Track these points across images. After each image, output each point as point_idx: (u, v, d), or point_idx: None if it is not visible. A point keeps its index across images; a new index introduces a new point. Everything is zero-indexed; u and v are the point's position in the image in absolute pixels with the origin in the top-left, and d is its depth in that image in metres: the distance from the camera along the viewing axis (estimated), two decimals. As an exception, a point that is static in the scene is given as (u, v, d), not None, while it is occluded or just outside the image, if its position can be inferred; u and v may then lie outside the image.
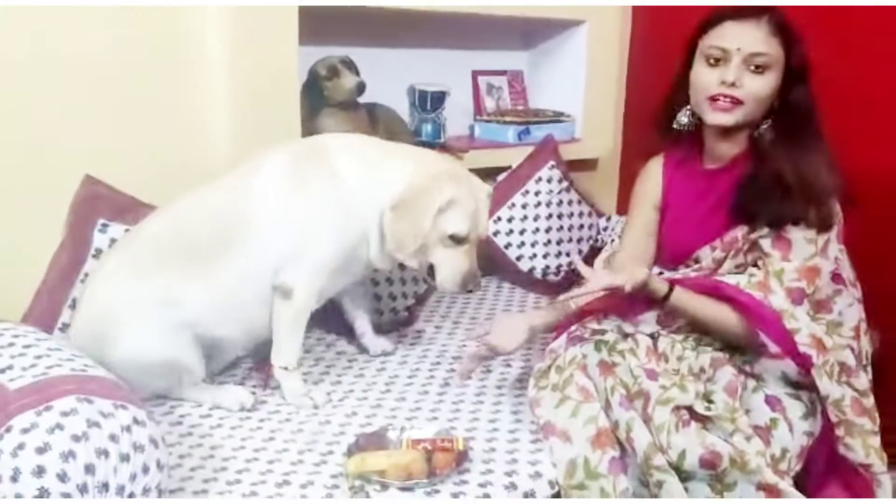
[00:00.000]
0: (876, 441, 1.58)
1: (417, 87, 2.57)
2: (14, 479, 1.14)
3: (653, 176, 1.92)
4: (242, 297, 1.74)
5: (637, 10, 2.89)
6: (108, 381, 1.35)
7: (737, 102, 1.66)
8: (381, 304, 2.19)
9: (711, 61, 1.68)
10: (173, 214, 1.77)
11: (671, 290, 1.63)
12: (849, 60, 2.26)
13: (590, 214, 2.74)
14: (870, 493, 1.58)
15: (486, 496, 1.43)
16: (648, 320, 1.73)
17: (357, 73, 2.28)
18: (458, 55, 2.79)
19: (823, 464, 1.60)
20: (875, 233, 2.08)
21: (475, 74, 2.88)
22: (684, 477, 1.46)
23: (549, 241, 2.60)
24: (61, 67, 1.85)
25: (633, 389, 1.53)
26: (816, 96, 1.70)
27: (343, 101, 2.27)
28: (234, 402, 1.73)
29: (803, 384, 1.61)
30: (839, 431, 1.56)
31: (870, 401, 1.62)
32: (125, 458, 1.22)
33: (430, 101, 2.57)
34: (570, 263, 2.62)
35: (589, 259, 2.63)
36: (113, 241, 1.88)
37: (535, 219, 2.60)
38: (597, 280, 1.58)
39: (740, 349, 1.67)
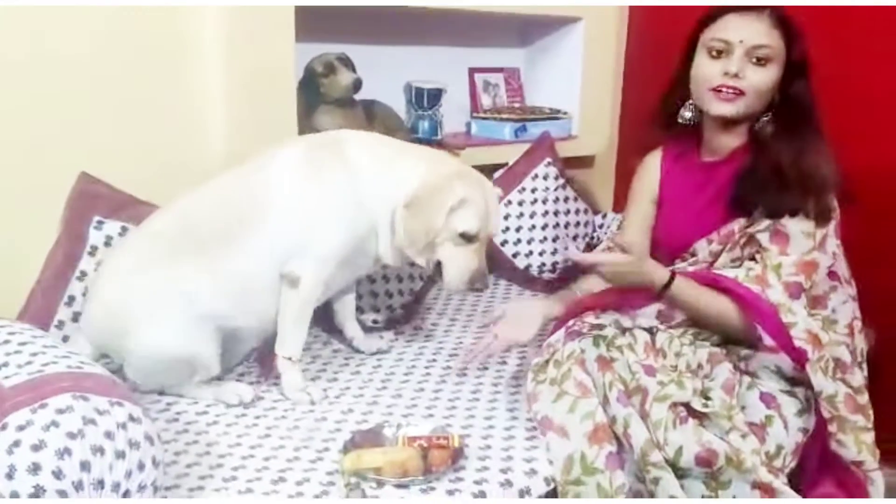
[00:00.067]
0: (869, 438, 1.59)
1: (414, 84, 2.57)
2: (9, 476, 1.14)
3: (650, 170, 1.93)
4: (257, 285, 1.75)
5: (633, 7, 2.89)
6: (103, 379, 1.34)
7: (739, 93, 1.69)
8: (378, 302, 2.19)
9: (714, 53, 1.71)
10: (186, 206, 1.78)
11: (672, 279, 1.64)
12: (847, 60, 2.26)
13: (586, 211, 2.74)
14: (862, 490, 1.59)
15: (482, 493, 1.43)
16: (648, 314, 1.73)
17: (354, 70, 2.28)
18: (454, 52, 2.79)
19: (817, 461, 1.61)
20: (872, 231, 2.08)
21: (472, 71, 2.88)
22: (680, 474, 1.46)
23: (546, 238, 2.60)
24: (60, 67, 1.86)
25: (631, 385, 1.54)
26: (816, 94, 1.72)
27: (340, 98, 2.27)
28: (233, 397, 1.73)
29: (798, 380, 1.61)
30: (832, 428, 1.57)
31: (864, 398, 1.63)
32: (121, 455, 1.22)
33: (426, 99, 2.57)
34: (566, 260, 2.63)
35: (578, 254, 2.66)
36: (108, 238, 1.88)
37: (532, 216, 2.60)
38: (602, 256, 1.59)
39: (738, 343, 1.67)
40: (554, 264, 2.61)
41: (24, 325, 1.54)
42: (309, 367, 1.91)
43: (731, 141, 1.78)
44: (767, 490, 1.46)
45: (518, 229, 2.58)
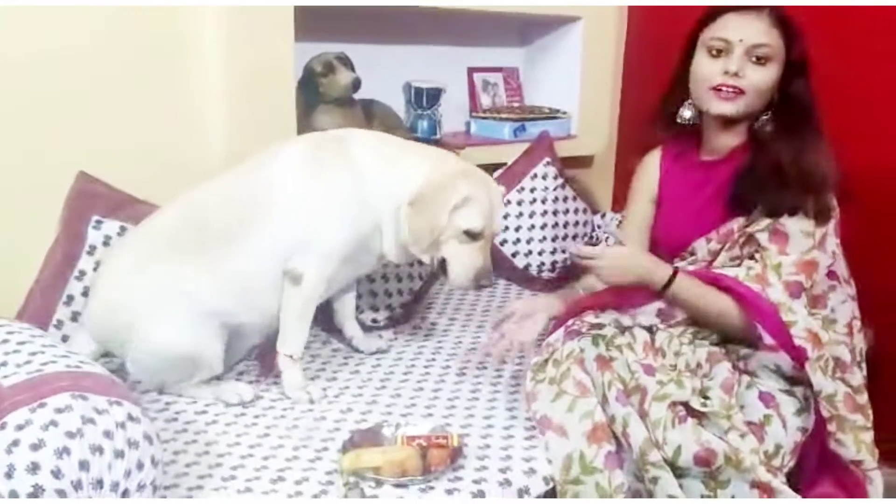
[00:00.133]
0: (868, 437, 1.59)
1: (413, 84, 2.57)
2: (8, 475, 1.13)
3: (649, 169, 1.93)
4: (260, 282, 1.75)
5: (632, 7, 2.89)
6: (102, 378, 1.34)
7: (739, 92, 1.69)
8: (377, 301, 2.19)
9: (714, 52, 1.71)
10: (189, 203, 1.78)
11: (674, 276, 1.64)
12: (847, 60, 2.26)
13: (585, 211, 2.74)
14: (861, 490, 1.59)
15: (481, 493, 1.43)
16: (648, 312, 1.73)
17: (353, 70, 2.28)
18: (453, 52, 2.79)
19: (816, 460, 1.61)
20: (871, 231, 2.08)
21: (471, 71, 2.88)
22: (679, 473, 1.46)
23: (545, 238, 2.60)
24: (59, 67, 1.86)
25: (630, 385, 1.54)
26: (816, 94, 1.72)
27: (339, 98, 2.27)
28: (233, 396, 1.73)
29: (797, 380, 1.61)
30: (831, 427, 1.57)
31: (863, 397, 1.63)
32: (120, 454, 1.22)
33: (425, 98, 2.57)
34: (565, 260, 2.63)
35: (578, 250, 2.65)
36: (107, 237, 1.88)
37: (531, 215, 2.60)
38: (600, 249, 1.63)
39: (737, 342, 1.67)
40: (553, 263, 2.61)
41: (22, 325, 1.53)
42: (308, 367, 1.91)
43: (731, 140, 1.78)
44: (766, 489, 1.46)
45: (517, 229, 2.58)
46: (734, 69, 1.68)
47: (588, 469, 1.48)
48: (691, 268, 1.75)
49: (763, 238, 1.66)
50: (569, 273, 2.55)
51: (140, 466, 1.24)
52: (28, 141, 1.84)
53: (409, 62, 2.63)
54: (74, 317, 1.84)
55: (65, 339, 1.79)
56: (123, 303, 1.70)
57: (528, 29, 2.97)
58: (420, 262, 2.19)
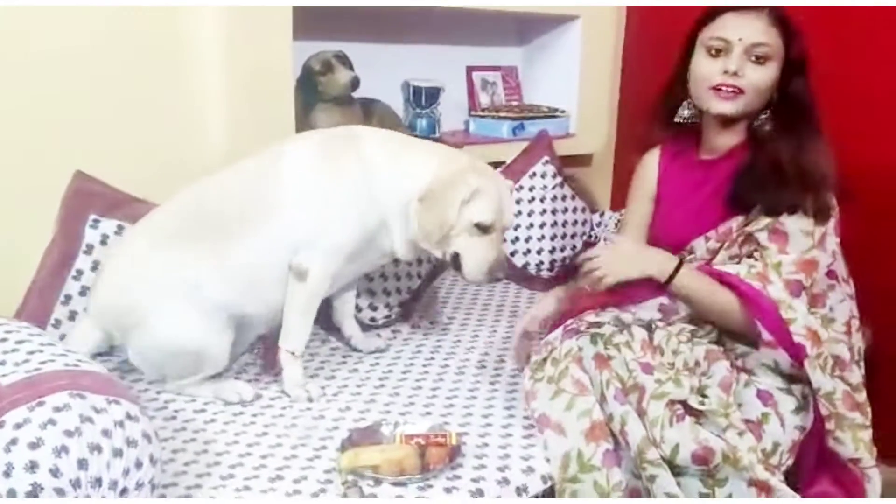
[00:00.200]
0: (866, 435, 1.58)
1: (412, 83, 2.57)
2: (7, 474, 1.13)
3: (649, 168, 1.94)
4: (267, 275, 1.76)
5: (631, 6, 2.89)
6: (101, 377, 1.34)
7: (738, 92, 1.69)
8: (376, 300, 2.19)
9: (713, 52, 1.71)
10: (199, 193, 1.79)
11: (679, 266, 1.65)
12: (847, 59, 2.27)
13: (584, 210, 2.74)
14: (859, 488, 1.59)
15: (479, 491, 1.43)
16: (649, 307, 1.73)
17: (351, 68, 2.28)
18: (452, 51, 2.79)
19: (814, 458, 1.61)
20: (870, 231, 2.08)
21: (469, 70, 2.88)
22: (677, 472, 1.46)
23: (543, 237, 2.61)
24: (59, 67, 1.86)
25: (628, 383, 1.54)
26: (815, 93, 1.73)
27: (337, 97, 2.27)
28: (233, 395, 1.73)
29: (796, 378, 1.61)
30: (829, 425, 1.57)
31: (862, 396, 1.63)
32: (118, 453, 1.22)
33: (424, 97, 2.57)
34: (564, 259, 2.63)
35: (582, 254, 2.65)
36: (104, 236, 1.88)
37: (530, 214, 2.60)
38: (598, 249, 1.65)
39: (736, 340, 1.68)
40: (552, 262, 2.61)
41: (21, 324, 1.54)
42: (307, 365, 1.91)
43: (730, 139, 1.78)
44: (764, 488, 1.46)
45: (516, 227, 2.58)
46: (733, 69, 1.68)
47: (586, 467, 1.48)
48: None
49: (763, 237, 1.66)
50: (568, 272, 2.55)
51: (139, 465, 1.24)
52: (28, 141, 1.84)
53: (407, 61, 2.63)
54: (72, 316, 1.84)
55: (62, 338, 1.79)
56: (130, 289, 1.71)
57: (526, 28, 2.97)
58: (419, 261, 2.20)
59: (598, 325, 1.69)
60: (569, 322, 1.73)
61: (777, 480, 1.48)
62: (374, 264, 1.96)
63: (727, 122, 1.76)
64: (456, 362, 1.97)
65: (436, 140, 2.50)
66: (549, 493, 1.52)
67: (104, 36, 1.91)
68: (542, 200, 2.62)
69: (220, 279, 1.72)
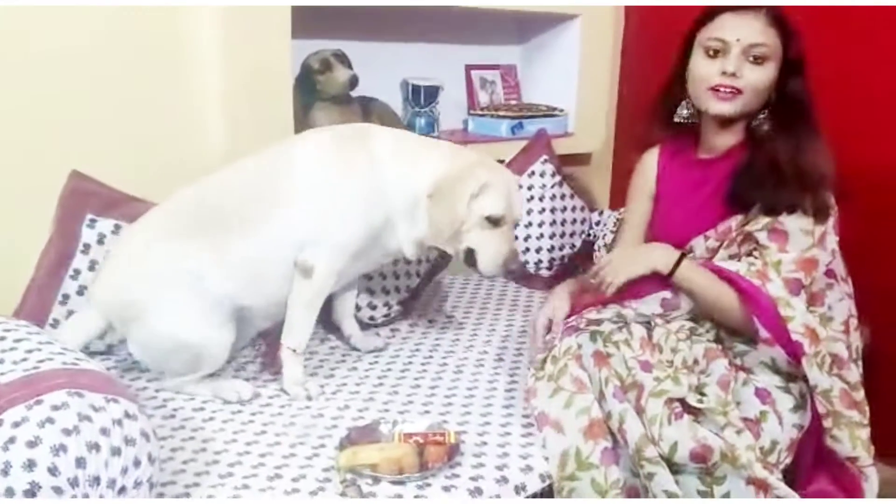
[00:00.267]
0: (864, 433, 1.58)
1: (411, 82, 2.57)
2: (5, 472, 1.13)
3: (648, 168, 1.94)
4: (272, 270, 1.76)
5: (630, 5, 2.89)
6: (99, 375, 1.34)
7: (737, 92, 1.69)
8: (375, 298, 2.19)
9: (711, 53, 1.71)
10: (206, 187, 1.79)
11: (682, 258, 1.66)
12: (847, 59, 2.26)
13: (582, 209, 2.74)
14: (857, 487, 1.58)
15: (478, 490, 1.43)
16: (650, 302, 1.73)
17: (350, 67, 2.28)
18: (451, 49, 2.79)
19: (812, 457, 1.61)
20: (868, 230, 2.08)
21: (468, 69, 2.88)
22: (675, 469, 1.47)
23: (542, 236, 2.61)
24: (59, 67, 1.87)
25: (626, 381, 1.54)
26: (813, 93, 1.73)
27: (336, 95, 2.27)
28: (232, 394, 1.74)
29: (794, 376, 1.61)
30: (827, 423, 1.57)
31: (860, 394, 1.62)
32: (116, 451, 1.22)
33: (423, 96, 2.57)
34: (563, 258, 2.63)
35: (582, 253, 2.66)
36: (101, 235, 1.88)
37: (528, 213, 2.60)
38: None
39: (735, 337, 1.68)
40: (551, 261, 2.61)
41: (19, 322, 1.54)
42: (306, 364, 1.91)
43: (729, 139, 1.78)
44: (762, 486, 1.46)
45: (514, 226, 2.57)
46: (731, 69, 1.68)
47: (584, 465, 1.49)
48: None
49: (762, 236, 1.66)
50: (567, 271, 2.55)
51: (137, 463, 1.24)
52: (28, 140, 1.85)
53: (406, 59, 2.63)
54: (70, 315, 1.84)
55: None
56: (131, 280, 1.71)
57: (525, 26, 2.97)
58: (418, 260, 2.20)
59: (598, 322, 1.69)
60: (569, 320, 1.73)
61: (775, 479, 1.48)
62: (378, 263, 1.97)
63: (726, 121, 1.76)
64: (454, 361, 1.97)
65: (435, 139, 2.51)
66: (548, 491, 1.52)
67: (104, 36, 1.92)
68: (540, 199, 2.62)
69: (225, 271, 1.72)
